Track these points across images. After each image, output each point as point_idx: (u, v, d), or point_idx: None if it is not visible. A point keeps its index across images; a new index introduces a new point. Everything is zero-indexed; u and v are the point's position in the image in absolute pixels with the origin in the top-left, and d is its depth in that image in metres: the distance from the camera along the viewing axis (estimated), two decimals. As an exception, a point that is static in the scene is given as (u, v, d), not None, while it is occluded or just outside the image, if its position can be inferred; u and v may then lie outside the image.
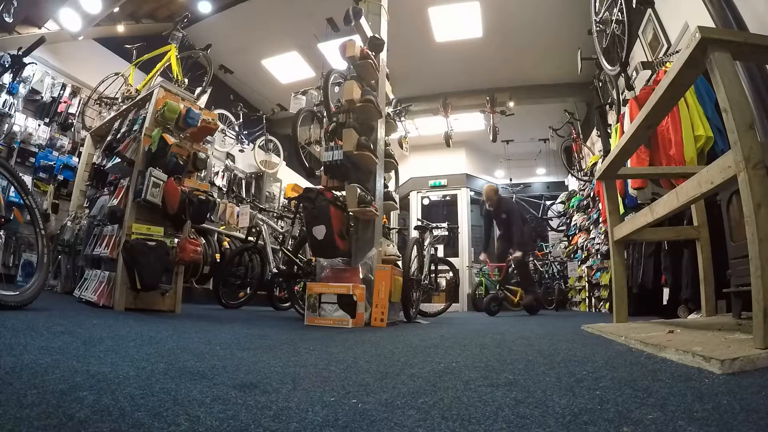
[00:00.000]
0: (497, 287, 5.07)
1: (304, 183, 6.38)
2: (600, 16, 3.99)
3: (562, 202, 8.82)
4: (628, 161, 2.99)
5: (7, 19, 3.87)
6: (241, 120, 6.92)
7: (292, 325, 2.78)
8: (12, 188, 3.28)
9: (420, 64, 6.95)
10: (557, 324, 3.36)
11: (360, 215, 3.35)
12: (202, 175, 5.35)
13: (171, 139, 3.02)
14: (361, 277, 3.12)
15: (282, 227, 4.94)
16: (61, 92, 4.77)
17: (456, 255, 8.79)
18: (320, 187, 3.49)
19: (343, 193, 3.37)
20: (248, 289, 4.59)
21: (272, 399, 0.83)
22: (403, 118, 5.00)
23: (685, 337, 1.58)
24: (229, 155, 6.78)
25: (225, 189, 6.56)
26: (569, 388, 0.94)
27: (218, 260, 4.87)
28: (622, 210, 3.55)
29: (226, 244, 5.21)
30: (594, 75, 6.20)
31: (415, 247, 3.71)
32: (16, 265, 4.17)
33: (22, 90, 4.37)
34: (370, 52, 3.59)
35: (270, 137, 7.37)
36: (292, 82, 7.25)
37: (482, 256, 5.38)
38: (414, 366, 1.27)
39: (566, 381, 1.02)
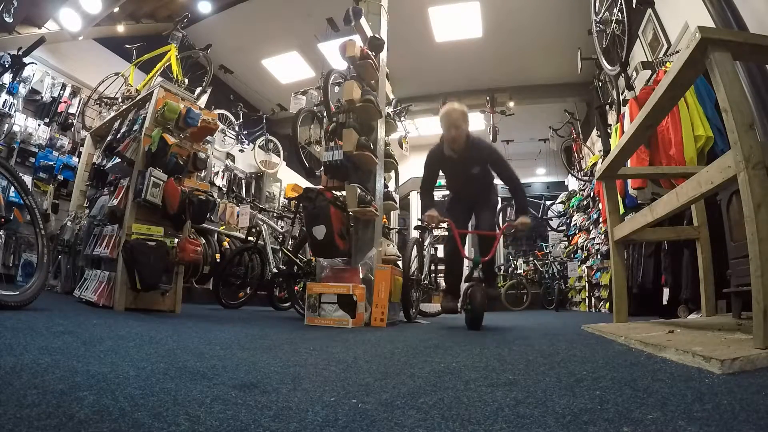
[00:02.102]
0: (478, 269, 2.81)
1: (304, 183, 6.38)
2: (600, 16, 3.99)
3: (562, 202, 8.82)
4: (628, 161, 2.99)
5: (7, 19, 3.86)
6: (241, 120, 6.92)
7: (292, 325, 2.78)
8: (12, 188, 3.28)
9: (420, 64, 6.95)
10: (557, 324, 3.36)
11: (360, 215, 3.35)
12: (202, 175, 5.35)
13: (171, 139, 3.01)
14: (361, 277, 3.12)
15: (282, 227, 4.94)
16: (61, 92, 4.77)
17: (456, 255, 8.78)
18: (320, 187, 3.49)
19: (343, 193, 3.37)
20: (248, 289, 4.59)
21: (272, 399, 0.83)
22: (403, 118, 5.00)
23: (685, 337, 1.58)
24: (229, 155, 6.78)
25: (225, 189, 6.56)
26: (569, 388, 0.94)
27: (218, 260, 4.87)
28: (622, 210, 3.55)
29: (226, 244, 5.21)
30: (594, 75, 6.20)
31: (415, 247, 3.71)
32: (16, 265, 4.17)
33: (22, 90, 4.37)
34: (370, 52, 3.59)
35: (270, 137, 7.37)
36: (292, 82, 7.26)
37: (432, 213, 3.02)
38: (414, 366, 1.27)
39: (566, 381, 1.02)
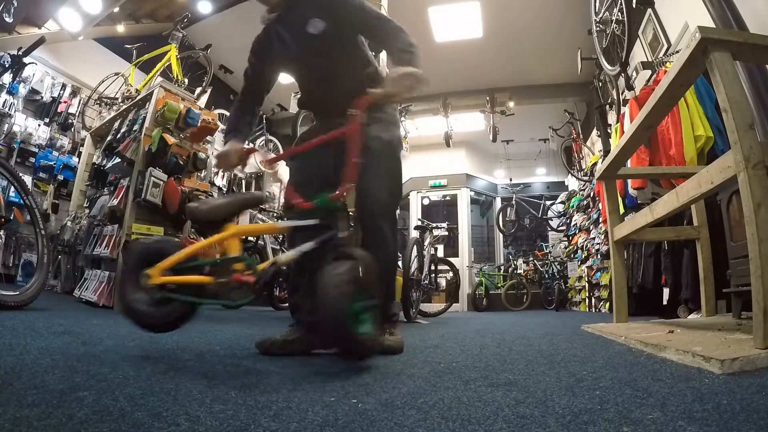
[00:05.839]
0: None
1: (304, 183, 6.36)
2: (600, 16, 3.99)
3: (562, 202, 8.81)
4: (628, 161, 2.99)
5: (7, 19, 3.87)
6: (241, 120, 6.91)
7: (292, 325, 2.78)
8: (12, 188, 3.27)
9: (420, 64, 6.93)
10: (557, 324, 3.36)
11: (360, 215, 3.35)
12: (202, 175, 5.34)
13: (171, 139, 3.02)
14: (361, 277, 3.11)
15: (282, 227, 4.94)
16: (61, 92, 4.77)
17: (456, 255, 8.79)
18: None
19: (343, 193, 3.37)
20: (248, 289, 4.58)
21: (272, 399, 0.83)
22: (403, 118, 5.00)
23: (685, 337, 1.58)
24: (229, 155, 6.76)
25: (225, 189, 6.55)
26: (569, 388, 0.94)
27: (218, 260, 4.86)
28: (622, 210, 3.55)
29: (226, 244, 5.20)
30: (594, 75, 6.20)
31: (415, 247, 3.71)
32: (16, 265, 4.16)
33: (22, 90, 4.37)
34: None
35: (270, 137, 7.35)
36: (292, 82, 7.17)
37: (233, 145, 1.80)
38: (414, 366, 1.27)
39: (566, 381, 1.02)
